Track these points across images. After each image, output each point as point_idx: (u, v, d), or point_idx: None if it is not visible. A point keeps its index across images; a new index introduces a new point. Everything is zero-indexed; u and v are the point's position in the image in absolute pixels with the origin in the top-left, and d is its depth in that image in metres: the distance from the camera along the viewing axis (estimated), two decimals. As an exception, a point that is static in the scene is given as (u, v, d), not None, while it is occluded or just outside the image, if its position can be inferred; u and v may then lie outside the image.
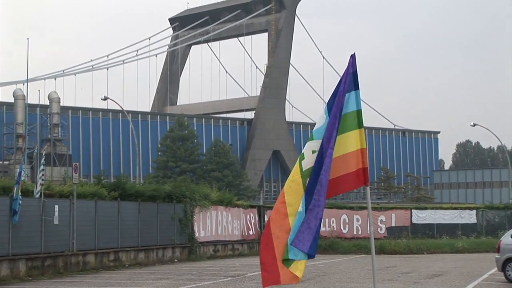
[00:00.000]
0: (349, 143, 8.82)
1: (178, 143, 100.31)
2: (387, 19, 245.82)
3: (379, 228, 53.33)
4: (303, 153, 8.88)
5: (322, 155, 8.67)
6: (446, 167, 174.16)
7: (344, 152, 8.78)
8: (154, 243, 39.01)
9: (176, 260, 40.47)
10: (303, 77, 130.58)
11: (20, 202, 28.46)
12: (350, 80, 8.88)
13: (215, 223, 45.30)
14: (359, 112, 8.92)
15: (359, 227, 53.06)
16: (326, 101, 9.00)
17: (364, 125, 9.06)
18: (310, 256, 8.69)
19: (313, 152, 8.76)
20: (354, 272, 32.30)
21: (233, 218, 47.69)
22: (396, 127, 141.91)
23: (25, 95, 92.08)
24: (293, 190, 8.79)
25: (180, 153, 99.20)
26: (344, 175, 8.79)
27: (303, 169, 8.79)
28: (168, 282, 27.43)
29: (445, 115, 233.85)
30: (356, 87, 8.92)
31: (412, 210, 56.37)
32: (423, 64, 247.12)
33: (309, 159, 8.78)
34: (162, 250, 39.90)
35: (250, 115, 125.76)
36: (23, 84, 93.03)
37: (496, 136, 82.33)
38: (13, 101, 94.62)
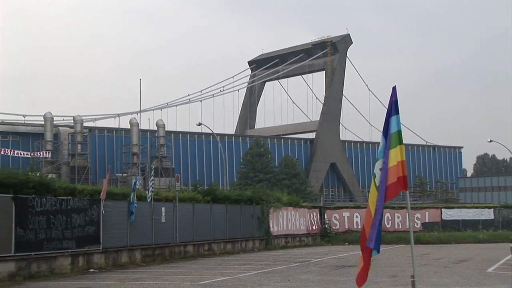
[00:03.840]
0: (394, 157, 8.74)
1: (256, 158, 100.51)
2: (418, 56, 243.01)
3: (415, 224, 52.70)
4: (374, 172, 8.85)
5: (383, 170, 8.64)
6: (469, 174, 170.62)
7: (391, 164, 8.70)
8: (238, 236, 39.12)
9: (256, 249, 40.48)
10: (353, 105, 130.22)
11: (136, 205, 28.89)
12: (392, 107, 8.84)
13: (286, 220, 45.22)
14: (399, 132, 8.86)
15: (400, 223, 52.45)
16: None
17: (404, 142, 8.97)
18: (377, 251, 8.59)
19: (380, 169, 8.75)
20: (396, 258, 31.88)
21: (300, 216, 47.56)
22: (428, 144, 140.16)
23: (139, 123, 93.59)
24: (371, 201, 8.74)
25: (258, 166, 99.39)
26: (393, 183, 8.70)
27: (377, 185, 8.75)
28: (250, 266, 27.45)
29: (467, 133, 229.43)
30: (397, 112, 8.86)
31: (442, 209, 55.57)
32: (450, 91, 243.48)
33: (378, 176, 8.76)
34: (245, 241, 39.97)
35: (312, 135, 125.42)
36: (137, 114, 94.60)
37: (508, 150, 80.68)
38: (129, 127, 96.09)
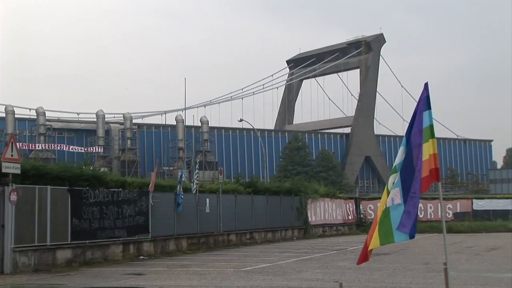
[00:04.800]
0: (426, 150, 8.68)
1: (294, 152, 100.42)
2: (448, 51, 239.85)
3: (447, 213, 52.16)
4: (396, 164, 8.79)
5: (412, 159, 8.56)
6: (498, 166, 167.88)
7: (424, 158, 8.64)
8: (278, 226, 39.15)
9: (295, 238, 40.47)
10: (386, 101, 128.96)
11: (182, 196, 29.10)
12: (424, 103, 8.77)
13: (323, 210, 45.14)
14: (431, 127, 8.77)
15: (432, 213, 51.98)
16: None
17: (436, 136, 8.90)
18: (411, 236, 8.52)
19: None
20: (429, 246, 31.59)
21: (336, 207, 47.42)
22: (459, 137, 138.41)
23: (184, 119, 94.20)
24: (386, 189, 8.71)
25: (296, 159, 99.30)
26: (426, 176, 8.63)
27: (395, 165, 8.71)
28: (290, 254, 27.47)
29: (497, 126, 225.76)
30: (429, 107, 8.79)
31: (473, 200, 54.87)
32: (479, 86, 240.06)
33: (398, 160, 8.70)
34: (285, 230, 39.99)
35: (347, 130, 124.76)
36: (182, 111, 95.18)
37: (538, 142, 79.50)
38: (175, 123, 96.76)
